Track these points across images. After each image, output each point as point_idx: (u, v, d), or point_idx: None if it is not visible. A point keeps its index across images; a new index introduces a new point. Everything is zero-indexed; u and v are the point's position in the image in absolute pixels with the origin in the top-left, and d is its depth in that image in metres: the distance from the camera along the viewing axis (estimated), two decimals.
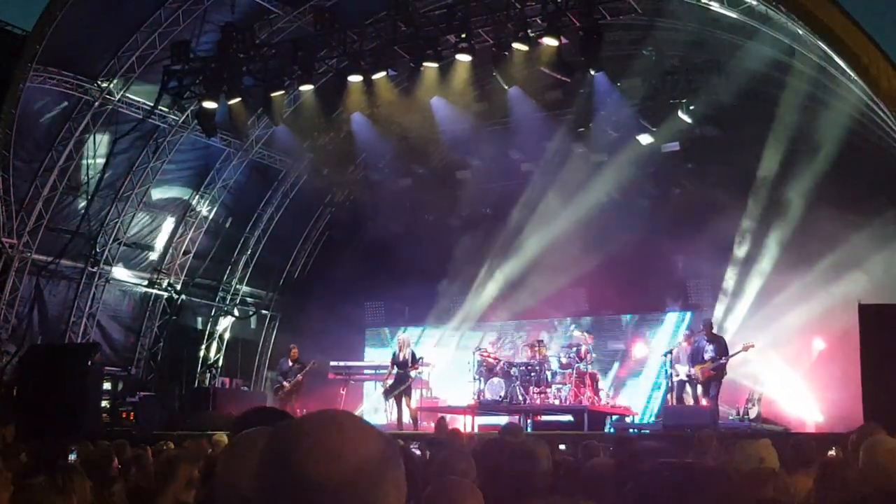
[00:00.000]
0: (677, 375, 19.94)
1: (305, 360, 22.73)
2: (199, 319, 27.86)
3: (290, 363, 22.61)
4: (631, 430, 20.31)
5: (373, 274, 26.23)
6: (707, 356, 19.54)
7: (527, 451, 5.16)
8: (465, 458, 5.43)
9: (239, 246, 28.12)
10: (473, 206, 25.96)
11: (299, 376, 22.37)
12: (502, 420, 20.17)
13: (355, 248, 26.71)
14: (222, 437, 12.89)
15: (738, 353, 19.50)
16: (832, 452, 10.53)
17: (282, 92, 21.50)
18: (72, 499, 5.55)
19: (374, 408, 25.35)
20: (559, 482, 6.42)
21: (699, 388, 19.75)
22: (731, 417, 20.34)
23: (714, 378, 19.47)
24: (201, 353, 27.38)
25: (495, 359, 22.26)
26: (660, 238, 22.52)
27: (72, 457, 12.04)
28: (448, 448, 7.47)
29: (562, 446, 14.42)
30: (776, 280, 21.93)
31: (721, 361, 19.34)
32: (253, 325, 28.98)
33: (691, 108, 22.93)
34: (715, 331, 20.30)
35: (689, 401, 19.81)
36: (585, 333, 23.11)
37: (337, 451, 1.90)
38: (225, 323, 28.24)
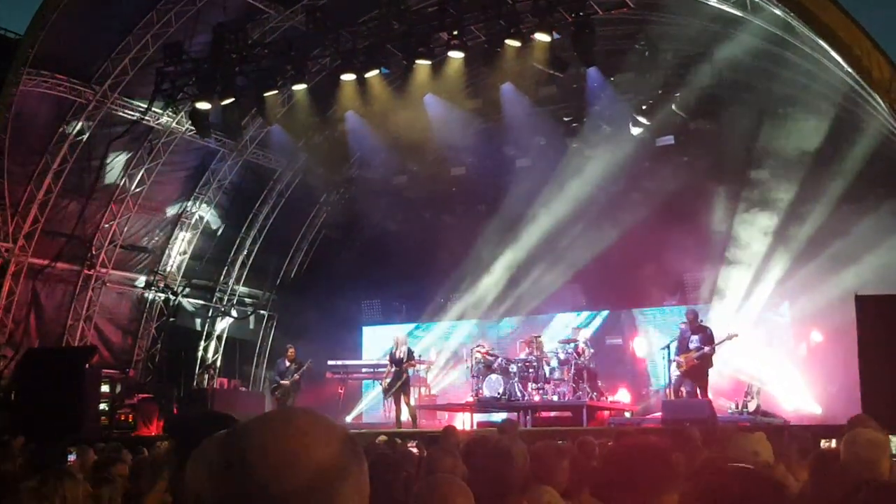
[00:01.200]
0: (671, 371, 19.89)
1: (302, 359, 22.70)
2: (197, 321, 27.90)
3: (287, 363, 22.56)
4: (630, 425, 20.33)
5: (369, 272, 26.23)
6: (692, 346, 19.43)
7: (502, 449, 5.19)
8: (452, 456, 5.50)
9: (235, 246, 28.16)
10: (468, 203, 25.98)
11: (296, 376, 22.33)
12: (502, 417, 20.38)
13: (351, 247, 26.71)
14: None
15: (723, 342, 19.36)
16: (832, 444, 10.52)
17: (275, 91, 21.42)
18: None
19: (373, 406, 25.57)
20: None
21: (678, 378, 19.64)
22: (729, 411, 20.23)
23: (698, 369, 19.30)
24: (199, 355, 27.45)
25: (493, 355, 22.14)
26: (656, 232, 22.42)
27: (71, 457, 12.06)
28: (437, 446, 7.50)
29: (560, 442, 14.35)
30: (774, 273, 21.91)
31: (705, 351, 19.20)
32: (251, 326, 28.94)
33: (685, 101, 22.89)
34: (704, 322, 20.11)
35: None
36: (583, 329, 23.21)
37: (292, 454, 1.81)
38: (222, 324, 28.28)
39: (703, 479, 2.52)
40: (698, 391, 19.34)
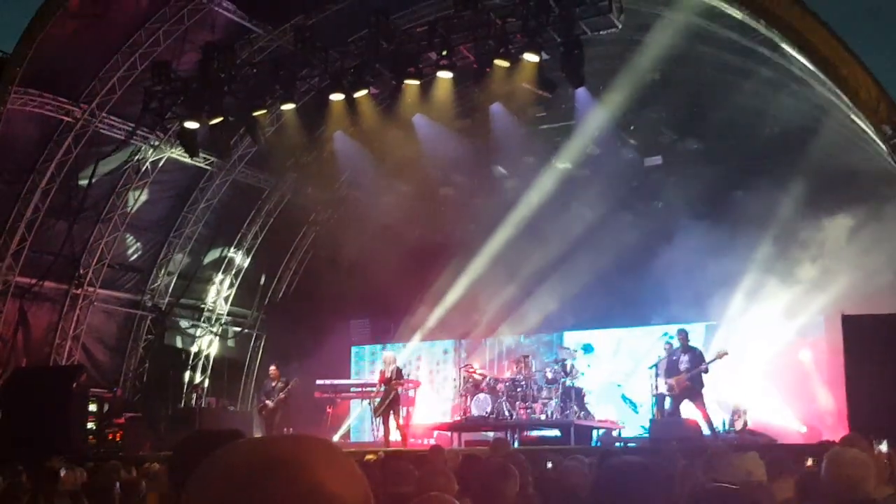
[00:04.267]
0: (657, 389, 19.96)
1: (288, 378, 22.63)
2: (185, 340, 27.90)
3: (273, 383, 22.52)
4: (617, 444, 20.54)
5: (358, 291, 26.04)
6: (682, 367, 19.61)
7: (499, 467, 5.19)
8: (444, 475, 5.56)
9: (224, 265, 28.27)
10: (457, 223, 25.88)
11: (282, 395, 22.23)
12: (489, 436, 20.46)
13: (340, 266, 26.52)
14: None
15: (713, 360, 19.48)
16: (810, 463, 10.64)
17: (264, 111, 21.52)
18: None
19: (361, 427, 25.71)
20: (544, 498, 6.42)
21: (672, 401, 19.80)
22: (717, 430, 20.15)
23: (690, 389, 19.47)
24: (187, 374, 27.37)
25: (481, 375, 22.30)
26: (644, 251, 22.57)
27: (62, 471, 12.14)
28: (429, 465, 7.74)
29: (549, 464, 14.42)
30: (761, 291, 21.98)
31: (694, 371, 19.35)
32: (232, 344, 28.84)
33: (673, 121, 23.06)
34: (692, 342, 20.27)
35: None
36: (571, 348, 23.30)
37: (308, 492, 1.70)
38: (210, 343, 28.31)
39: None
40: (689, 411, 19.50)
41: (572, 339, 24.98)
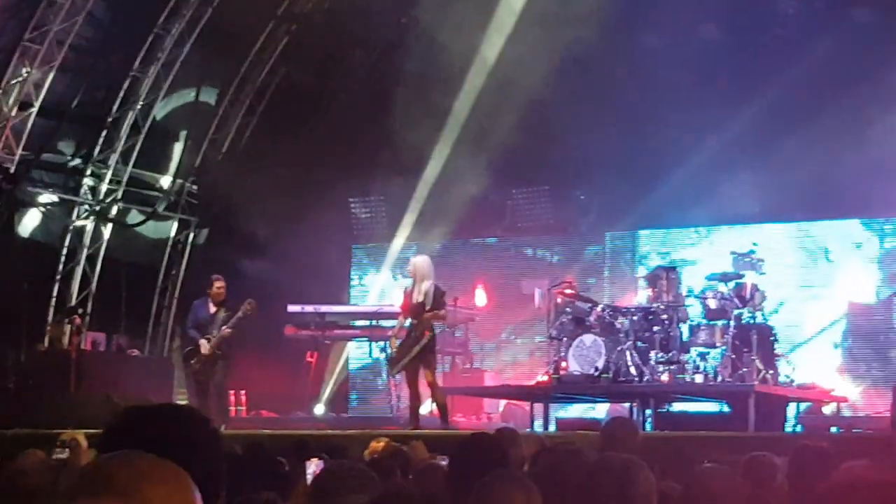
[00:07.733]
0: None
1: (237, 301, 22.18)
2: (49, 228, 28.21)
3: (212, 308, 22.15)
4: (834, 430, 21.15)
5: (366, 146, 26.47)
6: None
7: (618, 474, 5.52)
8: (522, 486, 5.96)
9: (121, 95, 27.80)
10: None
11: (226, 329, 21.72)
12: (599, 410, 23.07)
13: (333, 100, 25.68)
14: (77, 437, 13.03)
15: None
16: None
17: None
18: None
19: (367, 388, 28.15)
20: None
21: None
22: None
23: None
24: (55, 289, 27.49)
25: (588, 300, 22.50)
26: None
27: None
28: (496, 468, 7.62)
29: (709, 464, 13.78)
30: None
31: None
32: (137, 238, 28.93)
33: None
34: None
35: None
36: (752, 255, 22.70)
37: None
38: (97, 235, 28.43)
39: None
40: None
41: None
